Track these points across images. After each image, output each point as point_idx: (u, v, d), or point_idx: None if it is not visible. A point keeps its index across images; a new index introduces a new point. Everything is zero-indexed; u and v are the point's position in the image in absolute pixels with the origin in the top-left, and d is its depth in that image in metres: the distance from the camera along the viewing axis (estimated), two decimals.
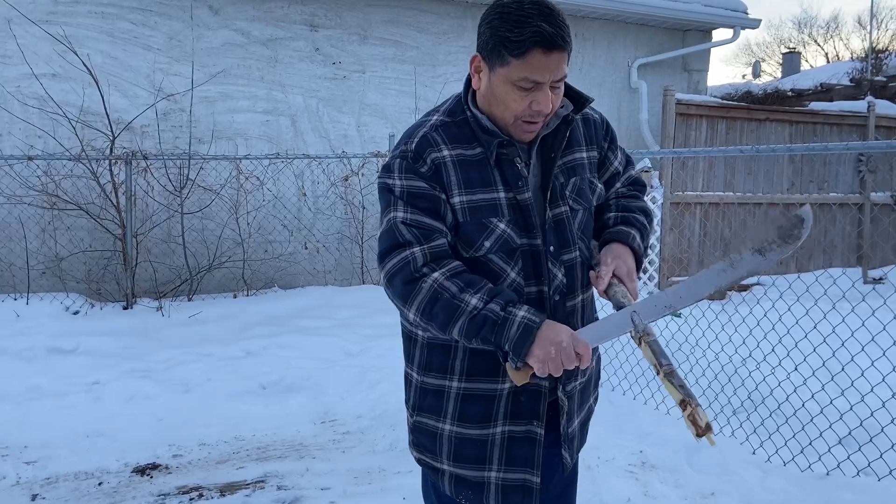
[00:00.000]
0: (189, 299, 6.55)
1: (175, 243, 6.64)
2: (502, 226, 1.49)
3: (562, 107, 1.53)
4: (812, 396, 3.50)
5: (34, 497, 3.31)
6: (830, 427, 3.26)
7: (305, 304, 6.63)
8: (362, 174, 7.29)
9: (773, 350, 3.93)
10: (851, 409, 3.27)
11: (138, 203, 6.37)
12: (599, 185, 1.69)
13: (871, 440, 3.07)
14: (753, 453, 3.38)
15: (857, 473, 2.99)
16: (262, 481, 3.48)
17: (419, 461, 1.63)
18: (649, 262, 7.62)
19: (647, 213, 1.74)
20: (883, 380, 3.23)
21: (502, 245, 1.49)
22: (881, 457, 3.00)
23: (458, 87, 1.61)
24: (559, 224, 1.56)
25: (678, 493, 3.16)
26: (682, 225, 7.74)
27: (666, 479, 3.30)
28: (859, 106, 8.44)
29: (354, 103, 7.60)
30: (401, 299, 1.45)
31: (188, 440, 3.98)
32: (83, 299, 6.25)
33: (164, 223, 6.65)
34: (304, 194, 7.17)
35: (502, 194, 1.50)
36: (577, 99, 1.57)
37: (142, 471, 3.61)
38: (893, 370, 3.17)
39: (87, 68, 6.21)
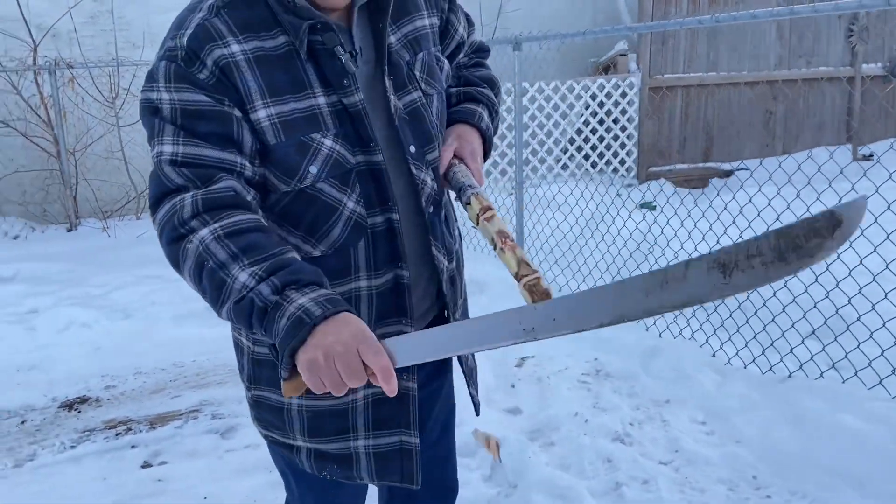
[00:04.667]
0: (137, 218, 6.24)
1: (117, 159, 6.23)
2: (328, 142, 1.09)
3: None
4: (782, 288, 3.23)
5: None
6: (793, 325, 3.01)
7: None
8: None
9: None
10: (828, 299, 3.01)
11: (70, 117, 5.92)
12: (446, 62, 1.31)
13: (835, 339, 2.82)
14: (713, 356, 3.16)
15: (821, 375, 2.76)
16: (197, 410, 3.28)
17: (266, 438, 1.32)
18: (627, 153, 7.26)
19: (494, 84, 1.39)
20: (861, 263, 2.88)
21: (333, 168, 1.10)
22: (846, 356, 2.76)
23: None
24: (415, 115, 1.19)
25: (630, 403, 2.96)
26: (662, 110, 7.31)
27: (619, 388, 3.10)
28: None
29: None
30: (171, 263, 1.06)
31: (123, 370, 3.78)
32: (22, 223, 5.92)
33: (102, 138, 6.22)
34: None
35: (322, 99, 1.09)
36: None
37: (70, 405, 3.41)
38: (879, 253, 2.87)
39: None
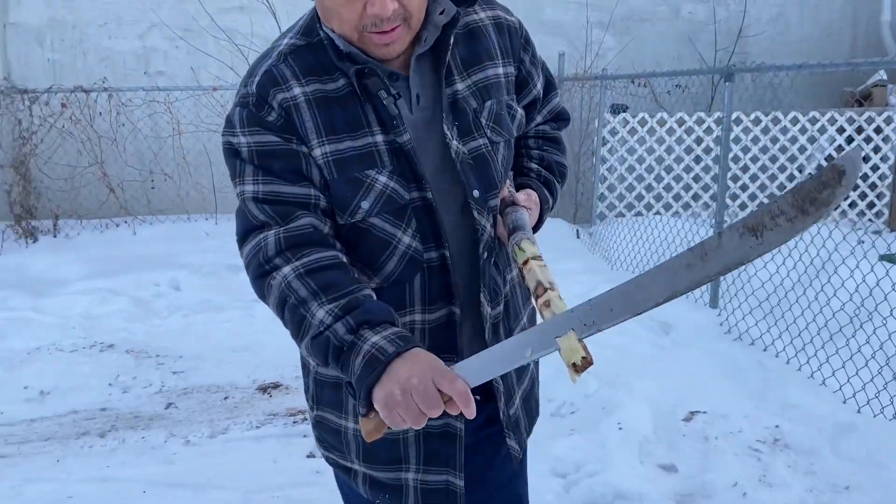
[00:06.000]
0: None
1: None
2: (383, 179, 1.15)
3: (441, 12, 1.15)
4: None
5: (168, 405, 3.63)
6: None
7: None
8: None
9: None
10: None
11: None
12: (520, 110, 1.31)
13: None
14: None
15: None
16: None
17: (328, 460, 1.38)
18: (877, 196, 6.42)
19: (564, 175, 1.41)
20: None
21: (386, 204, 1.16)
22: None
23: None
24: (481, 161, 1.22)
25: (804, 484, 2.63)
26: None
27: (796, 464, 2.77)
28: None
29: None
30: (258, 296, 1.17)
31: None
32: None
33: None
34: None
35: (380, 137, 1.15)
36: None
37: (264, 389, 3.80)
38: None
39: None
